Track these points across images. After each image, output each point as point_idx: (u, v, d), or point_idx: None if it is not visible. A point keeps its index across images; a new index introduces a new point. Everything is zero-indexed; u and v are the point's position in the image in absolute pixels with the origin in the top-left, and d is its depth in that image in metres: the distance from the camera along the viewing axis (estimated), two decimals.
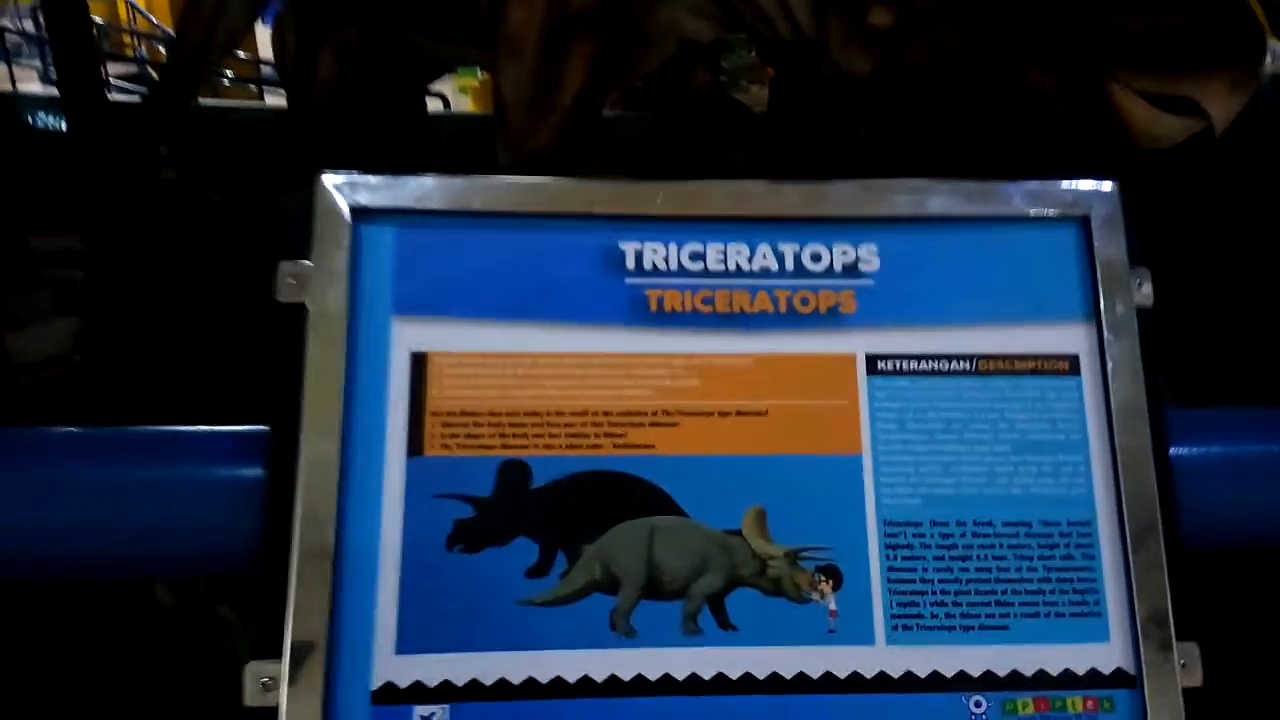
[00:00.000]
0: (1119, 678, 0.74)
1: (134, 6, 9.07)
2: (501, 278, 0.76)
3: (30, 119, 5.13)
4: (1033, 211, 0.79)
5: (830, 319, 0.78)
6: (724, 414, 0.76)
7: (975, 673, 0.73)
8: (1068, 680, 0.73)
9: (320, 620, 0.69)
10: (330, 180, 0.76)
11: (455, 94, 7.09)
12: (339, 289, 0.73)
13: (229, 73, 7.71)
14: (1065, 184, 0.80)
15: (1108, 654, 0.74)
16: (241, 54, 7.41)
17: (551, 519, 0.73)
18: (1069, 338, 0.78)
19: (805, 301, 0.78)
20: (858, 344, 0.77)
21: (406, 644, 0.71)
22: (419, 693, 0.70)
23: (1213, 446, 0.80)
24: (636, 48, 2.86)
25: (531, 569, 0.73)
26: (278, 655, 0.69)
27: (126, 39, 9.16)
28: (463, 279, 0.76)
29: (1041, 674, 0.73)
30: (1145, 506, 0.74)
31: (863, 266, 0.79)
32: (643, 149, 3.37)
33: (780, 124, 4.80)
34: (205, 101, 5.72)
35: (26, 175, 4.39)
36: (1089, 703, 0.73)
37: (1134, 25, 2.10)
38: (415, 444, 0.73)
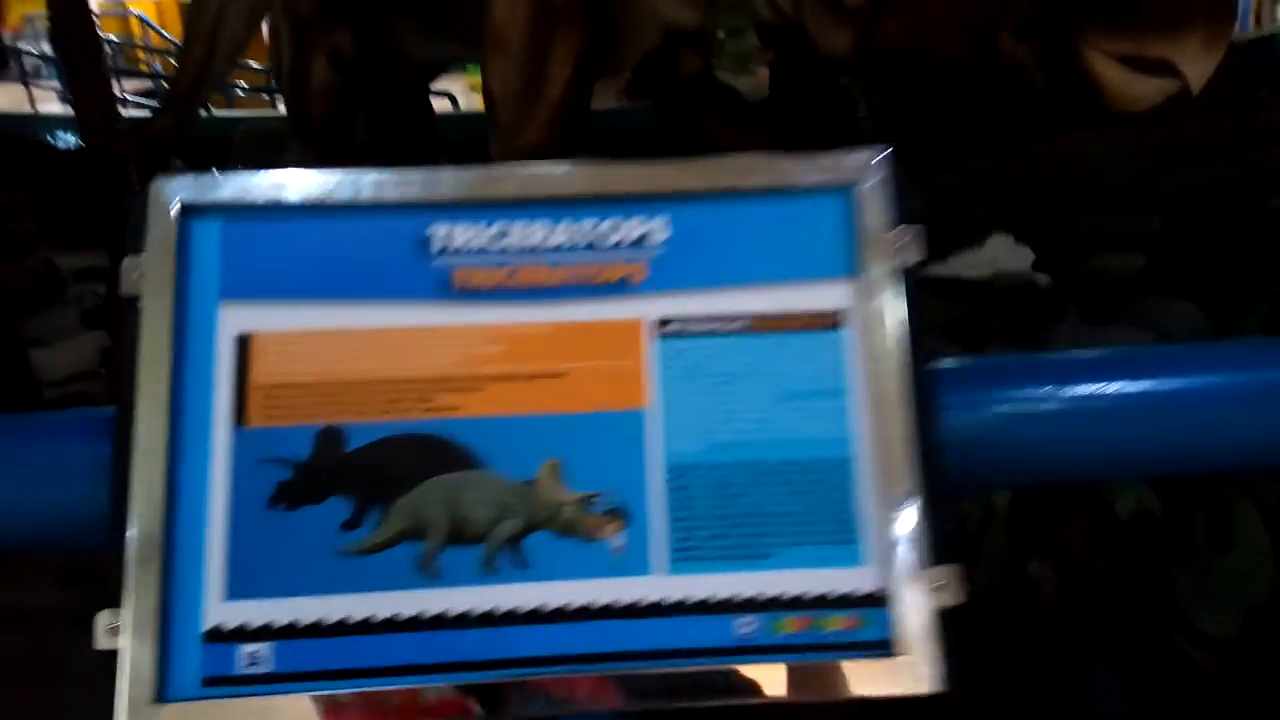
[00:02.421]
0: (872, 599, 0.81)
1: (145, 22, 9.31)
2: (320, 262, 0.85)
3: (51, 138, 5.32)
4: (806, 181, 0.87)
5: (623, 288, 0.86)
6: (524, 378, 0.84)
7: (744, 596, 0.81)
8: (825, 601, 0.81)
9: (155, 573, 0.78)
10: (161, 182, 0.86)
11: (466, 92, 7.19)
12: (167, 280, 0.83)
13: (243, 84, 7.92)
14: (835, 155, 0.87)
15: (862, 577, 0.82)
16: (254, 64, 7.59)
17: (364, 478, 0.82)
18: (834, 295, 0.85)
19: (601, 273, 0.86)
20: (648, 309, 0.86)
21: (233, 592, 0.80)
22: (243, 633, 0.79)
23: (975, 393, 0.87)
24: (621, 38, 2.93)
25: (346, 522, 0.82)
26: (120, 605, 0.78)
27: (140, 54, 9.40)
28: (284, 265, 0.85)
29: (802, 596, 0.81)
30: (898, 446, 0.81)
31: (654, 238, 0.86)
32: (647, 140, 3.45)
33: (777, 106, 4.82)
34: (219, 113, 5.89)
35: (50, 194, 4.57)
36: (846, 621, 0.81)
37: None
38: (240, 416, 0.83)
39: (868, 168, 0.87)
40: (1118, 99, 2.25)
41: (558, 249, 0.86)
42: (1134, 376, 0.85)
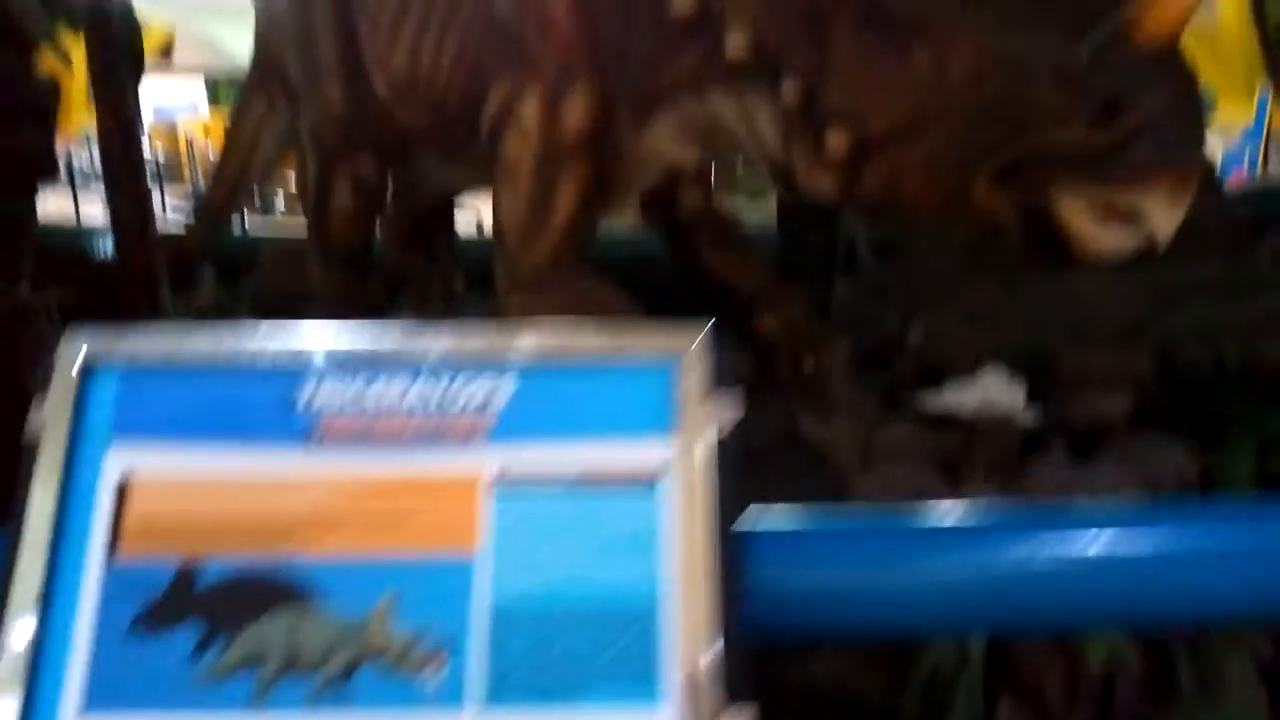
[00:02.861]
0: None
1: (191, 141, 9.79)
2: (202, 413, 0.97)
3: (90, 246, 5.56)
4: (636, 349, 0.97)
5: (466, 442, 0.96)
6: (369, 522, 0.94)
7: None
8: None
9: (19, 689, 0.88)
10: (68, 340, 0.98)
11: None
12: (63, 427, 0.94)
13: (282, 204, 8.26)
14: (662, 329, 0.98)
15: (663, 715, 0.89)
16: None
17: (215, 609, 0.92)
18: (653, 455, 0.95)
19: (447, 427, 0.96)
20: (486, 463, 0.96)
21: (90, 706, 0.89)
22: None
23: (784, 548, 0.94)
24: (625, 174, 3.10)
25: (195, 649, 0.91)
26: None
27: (185, 167, 9.88)
28: (171, 414, 0.97)
29: None
30: (701, 596, 0.89)
31: (498, 397, 0.97)
32: (665, 266, 3.58)
33: (785, 237, 4.95)
34: (254, 228, 6.15)
35: (82, 300, 4.77)
36: None
37: (1067, 141, 2.25)
38: (113, 548, 0.93)
39: (691, 339, 0.97)
40: (1088, 248, 2.34)
41: (412, 405, 0.97)
42: (941, 544, 0.93)
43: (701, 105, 2.89)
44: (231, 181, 4.22)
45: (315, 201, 3.59)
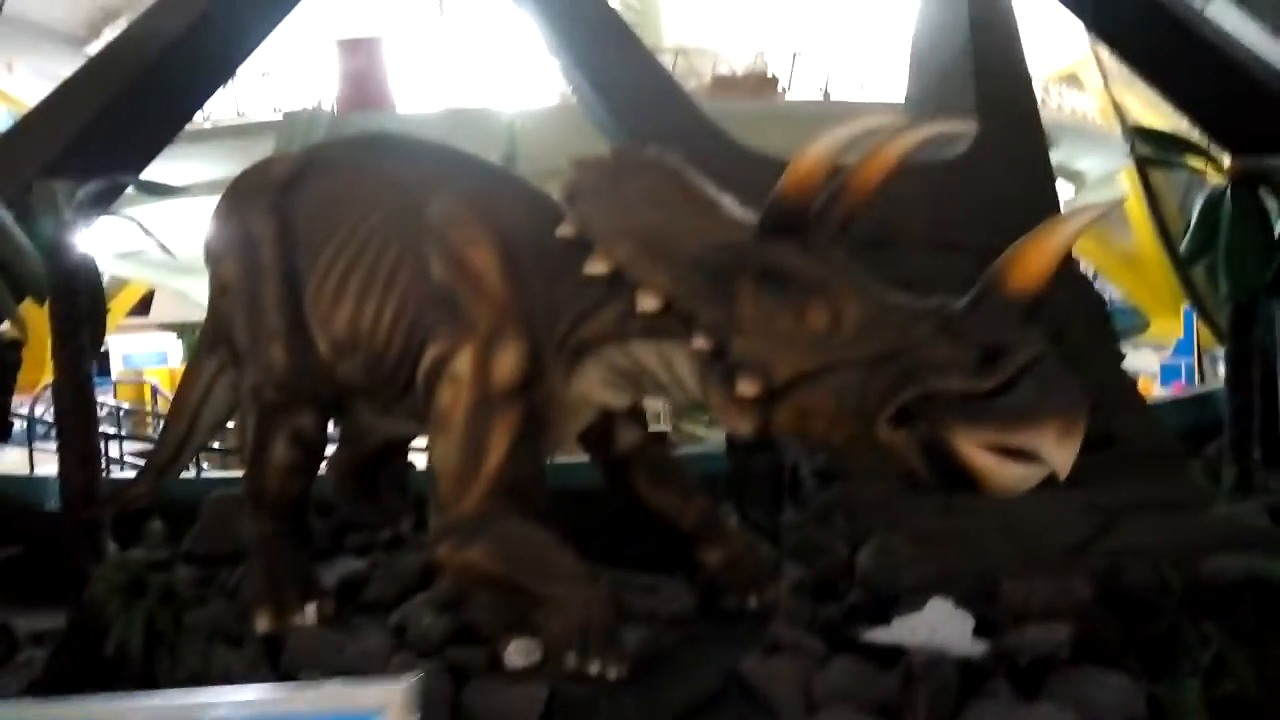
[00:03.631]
0: None
1: (156, 390, 9.92)
2: None
3: (39, 500, 5.52)
4: (337, 711, 0.98)
5: None
6: None
7: None
8: None
9: None
10: None
11: None
12: None
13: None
14: (364, 686, 1.00)
15: None
16: None
17: None
18: None
19: None
20: None
21: None
22: None
23: None
24: (558, 418, 3.16)
25: None
26: None
27: (148, 419, 9.94)
28: None
29: None
30: None
31: None
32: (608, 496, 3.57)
33: (733, 463, 4.99)
34: (209, 472, 6.14)
35: (23, 555, 4.70)
36: None
37: (953, 387, 2.33)
38: None
39: (392, 695, 0.98)
40: (988, 483, 2.38)
41: None
42: None
43: (624, 353, 3.00)
44: (178, 438, 4.20)
45: (252, 457, 3.59)
